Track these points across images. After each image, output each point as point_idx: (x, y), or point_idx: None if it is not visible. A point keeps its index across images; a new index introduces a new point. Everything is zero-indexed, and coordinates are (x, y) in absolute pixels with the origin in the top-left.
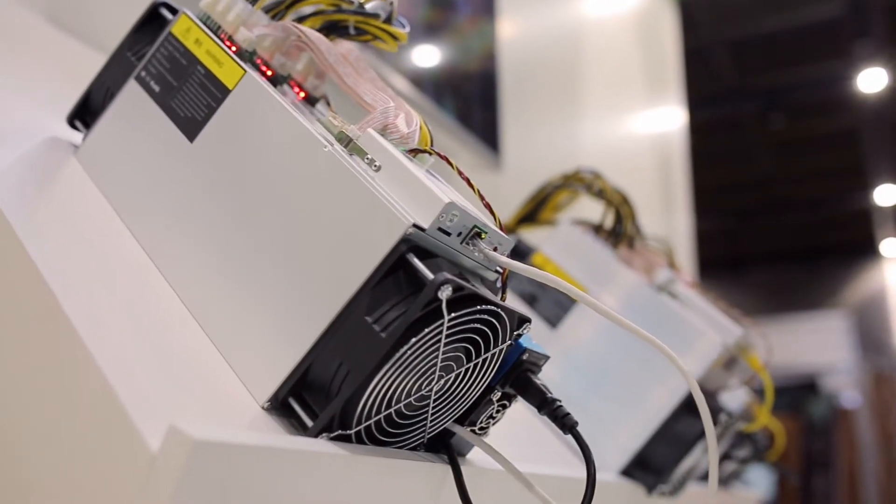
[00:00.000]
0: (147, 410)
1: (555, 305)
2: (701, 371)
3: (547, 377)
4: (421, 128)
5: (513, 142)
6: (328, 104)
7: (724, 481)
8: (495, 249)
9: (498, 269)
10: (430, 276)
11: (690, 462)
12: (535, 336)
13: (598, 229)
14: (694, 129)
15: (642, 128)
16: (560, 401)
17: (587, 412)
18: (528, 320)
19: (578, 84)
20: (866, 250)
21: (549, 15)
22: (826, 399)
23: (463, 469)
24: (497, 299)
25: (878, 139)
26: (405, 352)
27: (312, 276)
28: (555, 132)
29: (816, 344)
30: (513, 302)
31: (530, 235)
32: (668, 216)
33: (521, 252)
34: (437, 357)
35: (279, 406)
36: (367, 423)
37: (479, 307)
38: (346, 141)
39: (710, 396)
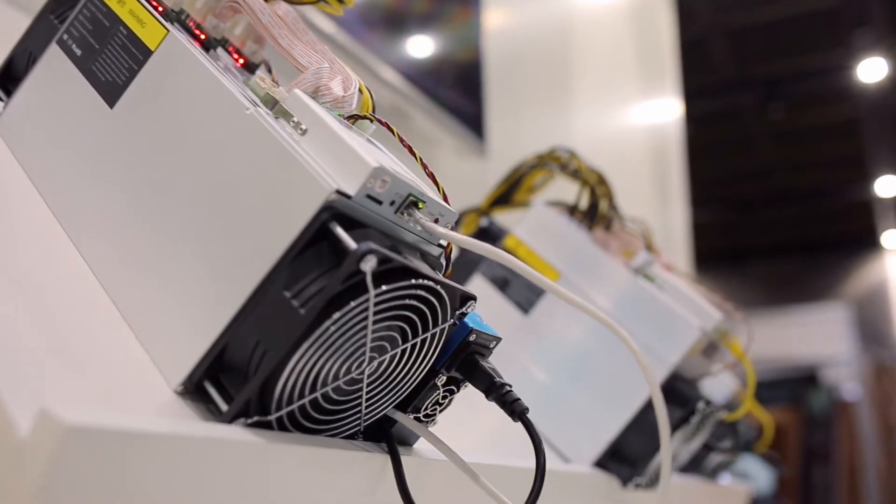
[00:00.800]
0: (28, 392)
1: (526, 290)
2: (678, 357)
3: (518, 364)
4: (362, 92)
5: (500, 129)
6: (269, 70)
7: (711, 473)
8: (437, 221)
9: (441, 242)
10: (353, 245)
11: None
12: (507, 322)
13: (573, 210)
14: (692, 121)
15: (638, 119)
16: (510, 385)
17: (560, 401)
18: (473, 298)
19: (570, 73)
20: (867, 242)
21: (539, 3)
22: (826, 391)
23: (405, 459)
24: (436, 275)
25: (879, 129)
26: (327, 329)
27: (230, 248)
28: (545, 121)
29: (817, 336)
30: (483, 287)
31: (505, 218)
32: (665, 209)
33: (493, 235)
34: (365, 336)
35: (194, 390)
36: (290, 407)
37: (412, 282)
38: (271, 103)
39: (689, 384)
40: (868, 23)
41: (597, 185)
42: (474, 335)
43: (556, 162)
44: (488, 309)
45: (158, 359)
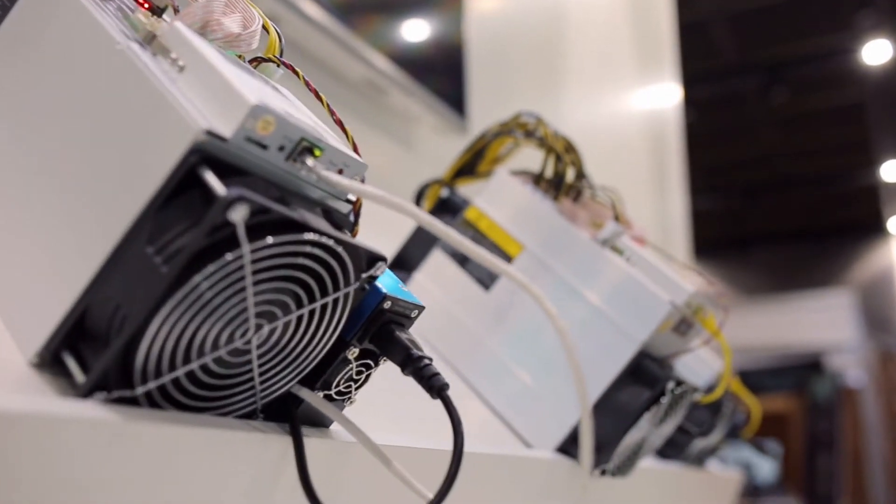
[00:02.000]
0: None
1: None
2: (646, 334)
3: (479, 343)
4: (268, 33)
5: (485, 110)
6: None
7: (696, 459)
8: (341, 172)
9: (351, 198)
10: (221, 192)
11: (638, 436)
12: (468, 299)
13: (538, 179)
14: (694, 106)
15: (635, 105)
16: (429, 359)
17: (523, 382)
18: (382, 259)
19: (563, 55)
20: (873, 227)
21: None
22: (831, 378)
23: (315, 443)
24: (341, 233)
25: (884, 113)
26: (196, 289)
27: (91, 200)
28: (535, 104)
29: (821, 323)
30: (443, 262)
31: (471, 190)
32: (664, 196)
33: (453, 206)
34: (244, 300)
35: (52, 362)
36: (159, 381)
37: (298, 237)
38: (150, 39)
39: (660, 363)
40: (871, 4)
41: (564, 153)
42: (389, 302)
43: (521, 129)
44: (448, 284)
45: (13, 326)
